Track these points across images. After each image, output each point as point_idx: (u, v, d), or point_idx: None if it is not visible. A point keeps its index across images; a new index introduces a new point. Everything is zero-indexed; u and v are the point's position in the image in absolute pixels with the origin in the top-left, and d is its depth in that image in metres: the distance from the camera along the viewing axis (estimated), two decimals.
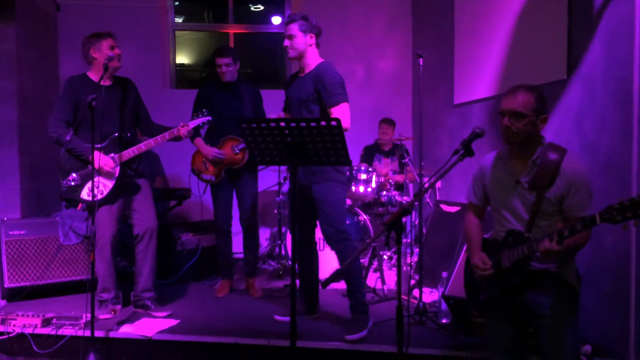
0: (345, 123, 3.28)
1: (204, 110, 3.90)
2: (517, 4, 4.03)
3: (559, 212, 2.36)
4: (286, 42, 3.53)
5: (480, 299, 2.58)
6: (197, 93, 4.47)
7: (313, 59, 3.57)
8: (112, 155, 3.69)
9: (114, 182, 3.69)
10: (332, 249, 3.63)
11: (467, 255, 2.77)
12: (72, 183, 3.69)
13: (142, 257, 3.89)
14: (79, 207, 3.86)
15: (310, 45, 3.54)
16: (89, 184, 3.68)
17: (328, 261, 4.48)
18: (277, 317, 3.76)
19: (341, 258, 3.61)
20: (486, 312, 2.62)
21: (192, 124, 3.81)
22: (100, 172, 3.62)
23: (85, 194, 3.70)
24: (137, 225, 3.88)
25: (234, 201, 4.49)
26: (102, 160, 3.60)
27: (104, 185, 3.67)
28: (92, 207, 3.47)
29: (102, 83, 3.53)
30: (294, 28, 3.49)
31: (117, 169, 3.70)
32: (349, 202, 5.00)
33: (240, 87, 4.41)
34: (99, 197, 3.63)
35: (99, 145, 3.60)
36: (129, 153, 3.72)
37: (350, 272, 3.57)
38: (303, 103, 3.55)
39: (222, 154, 4.28)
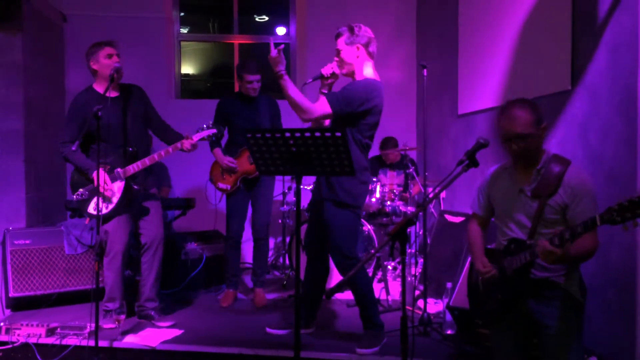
0: (308, 110, 3.17)
1: (210, 122, 3.89)
2: (521, 14, 4.05)
3: (562, 221, 2.36)
4: (335, 59, 3.39)
5: (485, 309, 2.58)
6: (217, 104, 4.50)
7: (360, 73, 3.37)
8: (117, 170, 3.69)
9: (119, 197, 3.70)
10: (342, 276, 3.48)
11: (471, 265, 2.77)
12: (81, 197, 3.72)
13: (148, 267, 3.89)
14: (87, 222, 3.88)
15: (358, 57, 3.35)
16: (96, 199, 3.69)
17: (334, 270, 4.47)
18: (269, 330, 3.70)
19: (352, 286, 3.49)
20: (491, 323, 2.61)
21: (196, 137, 3.78)
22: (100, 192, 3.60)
23: (91, 209, 3.71)
24: (145, 235, 3.89)
25: (248, 213, 4.51)
26: (102, 178, 3.58)
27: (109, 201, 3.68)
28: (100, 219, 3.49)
29: (108, 95, 3.51)
30: (340, 42, 3.36)
31: (122, 183, 3.70)
32: None
33: (259, 99, 4.44)
34: (104, 211, 3.64)
35: (103, 160, 3.59)
36: (133, 168, 3.71)
37: (361, 296, 3.44)
38: None
39: (235, 163, 4.32)
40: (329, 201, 3.38)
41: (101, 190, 3.55)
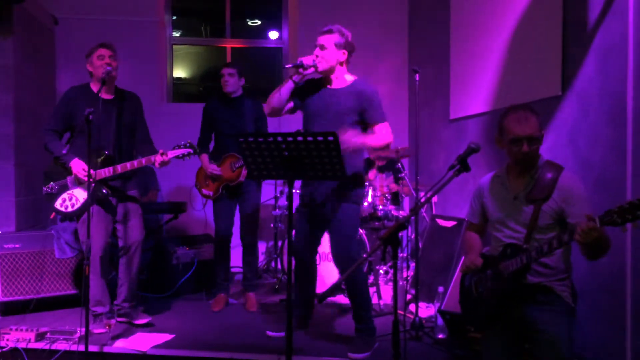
0: (390, 138, 3.42)
1: (188, 141, 3.78)
2: (512, 21, 4.07)
3: (556, 226, 2.38)
4: (317, 51, 3.39)
5: (478, 314, 2.58)
6: (204, 109, 4.53)
7: (343, 75, 3.46)
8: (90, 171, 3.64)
9: (86, 197, 3.64)
10: (341, 274, 3.50)
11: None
12: (50, 191, 3.71)
13: (126, 269, 3.89)
14: (52, 216, 3.85)
15: (341, 61, 3.42)
16: (64, 195, 3.70)
17: (326, 275, 4.47)
18: (270, 333, 3.70)
19: (349, 284, 3.48)
20: (483, 328, 2.62)
21: (171, 154, 3.71)
22: (78, 182, 3.66)
23: (58, 204, 3.71)
24: (122, 238, 3.88)
25: (235, 216, 4.50)
26: (80, 166, 3.63)
27: (76, 199, 3.65)
28: (71, 217, 3.59)
29: (103, 96, 3.53)
30: (328, 40, 3.38)
31: (92, 186, 3.65)
32: None
33: (243, 102, 4.45)
34: (70, 209, 3.65)
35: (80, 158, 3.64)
36: (104, 172, 3.67)
37: (358, 294, 3.45)
38: (339, 115, 3.36)
39: (219, 171, 4.32)
40: (350, 201, 3.41)
41: (77, 175, 3.63)
